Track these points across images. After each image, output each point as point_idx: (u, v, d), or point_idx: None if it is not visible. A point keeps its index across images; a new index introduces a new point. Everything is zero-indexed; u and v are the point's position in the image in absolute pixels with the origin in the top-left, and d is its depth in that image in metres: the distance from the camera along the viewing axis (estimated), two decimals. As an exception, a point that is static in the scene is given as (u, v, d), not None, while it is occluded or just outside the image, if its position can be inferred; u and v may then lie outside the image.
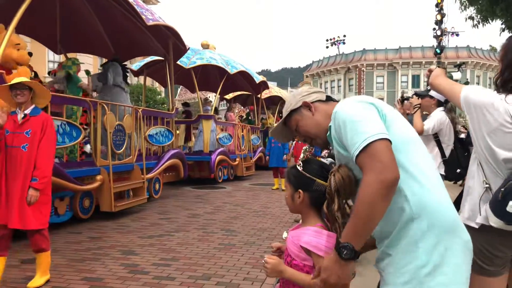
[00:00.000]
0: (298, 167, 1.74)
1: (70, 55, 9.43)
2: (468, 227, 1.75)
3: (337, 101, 1.73)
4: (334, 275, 1.44)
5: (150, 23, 7.86)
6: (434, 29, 17.02)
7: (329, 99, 1.80)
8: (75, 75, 8.38)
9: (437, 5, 16.68)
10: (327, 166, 1.76)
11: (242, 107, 22.68)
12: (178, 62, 11.37)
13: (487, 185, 1.97)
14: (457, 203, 2.21)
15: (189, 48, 10.07)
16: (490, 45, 48.63)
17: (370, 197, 1.35)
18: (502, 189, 1.86)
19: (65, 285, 3.96)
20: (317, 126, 1.73)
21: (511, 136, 1.89)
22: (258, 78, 14.29)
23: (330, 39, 59.47)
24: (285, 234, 1.79)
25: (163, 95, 33.44)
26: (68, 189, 6.35)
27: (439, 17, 16.64)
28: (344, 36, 58.98)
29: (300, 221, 1.80)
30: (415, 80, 53.83)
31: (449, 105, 4.17)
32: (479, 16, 9.88)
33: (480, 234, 1.94)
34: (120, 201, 7.58)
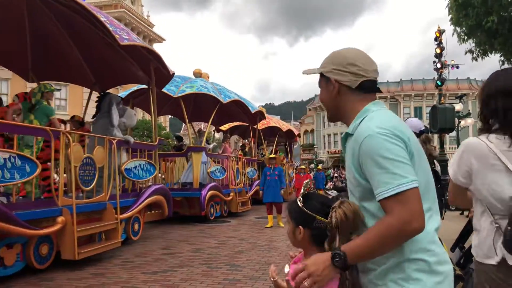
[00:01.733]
0: (299, 202, 1.69)
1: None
2: (483, 263, 1.99)
3: (372, 94, 1.62)
4: (317, 273, 1.44)
5: (125, 42, 6.88)
6: (434, 62, 17.08)
7: (367, 85, 1.59)
8: (43, 104, 7.17)
9: (436, 39, 16.81)
10: (328, 201, 1.68)
11: (243, 140, 21.50)
12: (165, 91, 10.42)
13: (497, 225, 1.98)
14: (463, 235, 2.59)
15: (173, 74, 9.04)
16: None
17: (387, 238, 1.38)
18: (509, 228, 1.88)
19: None
20: (334, 107, 1.66)
21: (503, 174, 1.94)
22: (254, 108, 13.20)
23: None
24: (287, 268, 1.73)
25: (168, 130, 32.60)
26: (17, 234, 5.22)
27: (438, 51, 16.73)
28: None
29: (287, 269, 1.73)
30: (418, 112, 53.97)
31: (423, 137, 3.90)
32: (478, 49, 9.96)
33: (496, 269, 1.96)
34: (88, 246, 6.41)
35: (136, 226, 8.23)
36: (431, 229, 1.49)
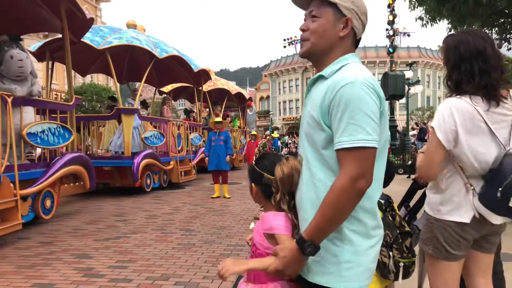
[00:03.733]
0: (253, 162, 1.77)
1: None
2: (442, 219, 2.08)
3: (353, 52, 1.53)
4: (291, 268, 1.43)
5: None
6: (386, 29, 16.99)
7: (359, 41, 1.55)
8: None
9: (389, 6, 16.54)
10: (279, 160, 1.66)
11: (191, 104, 19.69)
12: (87, 42, 8.62)
13: (472, 187, 2.01)
14: (408, 195, 2.64)
15: (92, 20, 7.31)
16: (439, 46, 49.27)
17: (341, 203, 1.33)
18: (500, 189, 1.89)
19: None
20: (328, 45, 1.49)
21: (483, 136, 1.97)
22: (197, 66, 11.47)
23: (288, 39, 57.42)
24: (252, 225, 1.81)
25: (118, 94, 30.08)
26: None
27: (391, 18, 16.59)
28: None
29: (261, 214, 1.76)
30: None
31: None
32: (427, 16, 9.94)
33: (458, 226, 2.04)
34: None
35: (48, 203, 6.69)
36: (377, 192, 1.48)
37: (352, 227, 1.41)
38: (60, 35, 7.79)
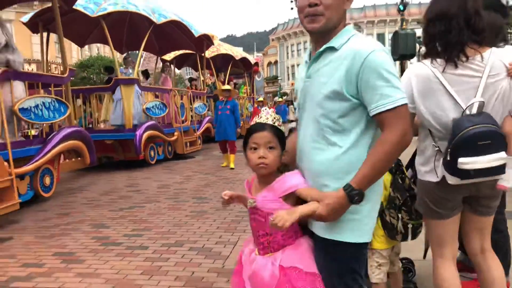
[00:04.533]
0: (281, 128, 1.72)
1: None
2: (424, 180, 2.14)
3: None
4: (333, 214, 1.48)
5: None
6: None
7: None
8: None
9: None
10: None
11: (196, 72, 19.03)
12: (80, 9, 8.12)
13: (437, 148, 2.05)
14: (414, 158, 2.43)
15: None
16: None
17: (391, 155, 1.45)
18: (449, 150, 1.93)
19: (37, 261, 3.74)
20: (340, 17, 1.54)
21: (441, 98, 1.97)
22: (198, 32, 10.89)
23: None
24: (251, 202, 1.71)
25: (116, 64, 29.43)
26: None
27: None
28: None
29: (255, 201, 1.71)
30: (380, 38, 53.77)
31: None
32: None
33: (436, 186, 2.09)
34: None
35: (48, 180, 6.43)
36: None
37: (373, 187, 1.52)
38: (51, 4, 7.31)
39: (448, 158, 1.92)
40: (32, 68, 21.49)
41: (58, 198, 6.43)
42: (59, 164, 6.88)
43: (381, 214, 2.31)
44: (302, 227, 1.72)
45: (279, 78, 56.11)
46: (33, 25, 8.34)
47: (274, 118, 1.72)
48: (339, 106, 1.50)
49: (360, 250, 1.60)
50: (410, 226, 2.32)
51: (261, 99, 15.58)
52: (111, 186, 7.36)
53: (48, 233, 4.65)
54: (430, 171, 2.10)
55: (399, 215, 2.31)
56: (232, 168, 8.71)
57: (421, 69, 2.02)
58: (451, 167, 1.94)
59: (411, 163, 2.69)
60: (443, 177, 2.02)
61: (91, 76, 22.05)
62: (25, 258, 3.84)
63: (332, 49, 1.51)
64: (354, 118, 1.51)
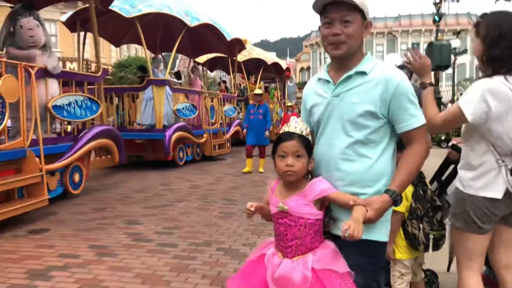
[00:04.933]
0: (309, 137, 1.81)
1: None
2: (475, 195, 2.10)
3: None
4: (381, 216, 1.65)
5: None
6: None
7: None
8: None
9: None
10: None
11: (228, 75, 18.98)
12: (116, 10, 8.22)
13: (504, 164, 2.05)
14: (440, 171, 2.82)
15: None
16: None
17: (421, 164, 1.73)
18: None
19: (73, 252, 3.92)
20: (358, 45, 1.74)
21: None
22: (230, 36, 10.83)
23: (329, 7, 55.32)
24: (282, 207, 1.76)
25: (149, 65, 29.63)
26: None
27: None
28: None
29: (286, 206, 1.77)
30: None
31: None
32: None
33: (486, 201, 2.08)
34: (2, 206, 4.71)
35: (77, 177, 6.47)
36: None
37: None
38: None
39: None
40: (74, 66, 22.07)
41: (94, 194, 6.65)
42: (89, 161, 6.93)
43: (403, 225, 2.43)
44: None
45: (310, 84, 55.63)
46: (71, 24, 8.51)
47: (303, 127, 1.80)
48: (371, 123, 1.69)
49: (385, 248, 1.84)
50: (431, 236, 2.37)
51: (290, 104, 15.38)
52: (145, 184, 7.50)
53: (84, 226, 4.81)
54: (485, 186, 2.09)
55: (421, 226, 2.37)
56: (261, 172, 8.71)
57: (499, 87, 1.98)
58: None
59: (437, 176, 2.83)
60: (506, 192, 2.05)
61: (129, 76, 22.42)
62: (62, 249, 4.01)
63: (363, 73, 1.71)
64: (381, 134, 1.72)
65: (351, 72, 1.71)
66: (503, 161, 2.05)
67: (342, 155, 1.72)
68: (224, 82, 14.71)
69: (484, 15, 2.16)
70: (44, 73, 5.86)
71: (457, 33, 19.50)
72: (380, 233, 1.73)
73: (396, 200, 1.64)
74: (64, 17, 8.38)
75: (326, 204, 1.77)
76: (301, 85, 59.58)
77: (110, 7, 7.91)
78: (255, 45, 18.62)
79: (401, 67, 4.44)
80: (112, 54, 31.51)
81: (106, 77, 8.55)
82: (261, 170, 8.79)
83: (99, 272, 3.43)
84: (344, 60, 1.74)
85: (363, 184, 1.70)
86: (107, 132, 7.02)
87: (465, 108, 2.02)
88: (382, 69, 1.71)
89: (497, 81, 1.99)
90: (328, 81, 1.79)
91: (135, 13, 8.35)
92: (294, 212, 1.74)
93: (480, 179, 2.10)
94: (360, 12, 1.68)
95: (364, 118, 1.69)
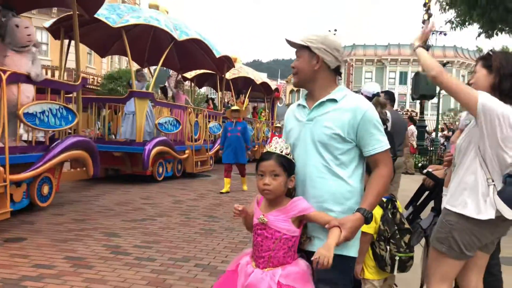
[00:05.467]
0: (289, 156, 1.89)
1: None
2: (465, 217, 2.12)
3: (339, 75, 1.97)
4: (355, 233, 1.77)
5: None
6: (422, 27, 16.97)
7: (338, 69, 1.94)
8: None
9: (424, 5, 16.65)
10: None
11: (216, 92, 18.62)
12: (103, 19, 7.93)
13: (493, 183, 2.09)
14: (415, 196, 2.91)
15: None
16: (477, 46, 47.61)
17: (387, 185, 1.88)
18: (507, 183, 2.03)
19: (48, 263, 3.84)
20: (309, 77, 1.93)
21: None
22: (220, 52, 10.57)
23: (319, 34, 55.97)
24: (262, 219, 1.86)
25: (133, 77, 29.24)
26: None
27: (426, 17, 16.61)
28: (335, 30, 55.45)
29: (266, 218, 1.86)
30: (403, 77, 53.89)
31: (374, 100, 3.84)
32: (457, 19, 10.04)
33: (477, 225, 2.10)
34: None
35: (46, 189, 6.07)
36: None
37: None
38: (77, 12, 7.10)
39: None
40: (89, 80, 21.68)
41: (74, 205, 6.51)
42: (60, 173, 6.53)
43: (372, 246, 2.49)
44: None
45: (300, 105, 55.85)
46: (56, 31, 8.17)
47: (283, 147, 1.89)
48: (340, 146, 1.84)
49: (354, 264, 1.98)
50: (397, 258, 2.42)
51: (278, 124, 15.10)
52: (127, 197, 7.34)
53: (62, 237, 4.70)
54: (476, 206, 2.11)
55: (388, 247, 2.43)
56: (245, 190, 8.44)
57: (510, 113, 2.08)
58: None
59: (413, 201, 2.92)
60: (496, 213, 2.07)
61: (118, 88, 22.07)
62: (37, 259, 3.92)
63: (334, 100, 1.87)
64: (351, 156, 1.86)
65: (324, 99, 1.88)
66: (492, 180, 2.10)
67: (315, 174, 1.85)
68: (212, 99, 14.42)
69: (495, 52, 2.31)
70: (18, 78, 5.50)
71: (443, 65, 19.77)
72: (352, 249, 1.86)
73: (367, 217, 1.77)
74: (47, 24, 8.03)
75: (304, 223, 1.86)
76: (291, 106, 59.52)
77: (96, 16, 7.62)
78: (248, 65, 18.47)
79: (376, 94, 4.34)
80: (103, 66, 31.12)
81: (94, 87, 8.20)
82: (244, 188, 8.50)
83: (74, 284, 3.36)
84: (306, 89, 1.97)
85: (335, 201, 1.83)
86: (82, 144, 6.63)
87: (483, 97, 2.07)
88: (351, 99, 1.88)
89: (509, 107, 2.09)
90: (304, 107, 1.96)
91: (121, 23, 8.03)
92: (272, 225, 1.84)
93: (472, 199, 2.12)
94: (308, 48, 1.88)
95: (335, 141, 1.84)
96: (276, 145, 1.88)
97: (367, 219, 1.76)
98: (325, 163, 1.84)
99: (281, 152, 1.85)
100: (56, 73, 20.27)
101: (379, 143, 1.83)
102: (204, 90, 33.24)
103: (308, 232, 1.88)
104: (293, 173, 1.88)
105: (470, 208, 2.11)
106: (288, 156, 1.87)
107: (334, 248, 1.68)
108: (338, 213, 1.81)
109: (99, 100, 9.54)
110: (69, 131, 6.75)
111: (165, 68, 11.93)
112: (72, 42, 8.14)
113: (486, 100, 2.06)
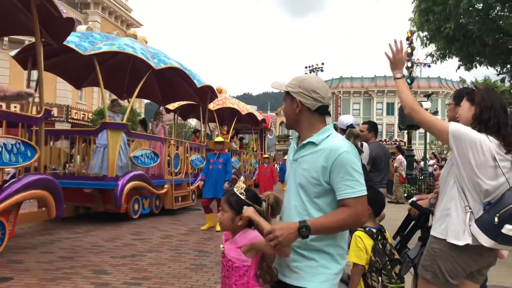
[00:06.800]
0: (241, 195, 1.94)
1: None
2: (447, 244, 2.17)
3: (325, 116, 1.92)
4: (285, 236, 1.67)
5: None
6: (407, 59, 17.58)
7: (322, 109, 1.88)
8: None
9: (407, 39, 16.81)
10: (256, 195, 1.99)
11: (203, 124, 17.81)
12: (73, 46, 7.30)
13: (470, 210, 2.14)
14: (402, 226, 2.98)
15: (72, 21, 6.02)
16: (460, 77, 48.60)
17: (343, 223, 1.75)
18: (498, 215, 2.05)
19: None
20: (293, 120, 1.92)
21: (492, 170, 2.15)
22: (201, 82, 9.92)
23: (309, 66, 56.30)
24: (222, 247, 2.04)
25: (142, 115, 28.49)
26: None
27: (409, 50, 16.84)
28: (323, 63, 55.87)
29: (225, 246, 2.03)
30: (390, 107, 54.18)
31: (348, 131, 3.96)
32: (438, 53, 10.28)
33: (459, 253, 2.15)
34: None
35: (-3, 233, 5.25)
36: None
37: (337, 251, 1.83)
38: (43, 40, 6.50)
39: (496, 222, 2.03)
40: (52, 113, 20.80)
41: (63, 242, 6.26)
42: (16, 216, 5.72)
43: (364, 277, 2.46)
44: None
45: (290, 137, 55.54)
46: (24, 60, 7.54)
47: (239, 187, 1.99)
48: (316, 189, 1.80)
49: None
50: None
51: (266, 155, 14.39)
52: (116, 232, 7.06)
53: (50, 275, 4.54)
54: (455, 233, 2.15)
55: (379, 278, 2.43)
56: (218, 231, 7.43)
57: (485, 141, 2.16)
58: (493, 231, 2.04)
59: (400, 231, 2.92)
60: (473, 240, 2.09)
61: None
62: None
63: (313, 143, 1.84)
64: (328, 199, 1.80)
65: (305, 141, 1.87)
66: (470, 208, 2.14)
67: (294, 212, 1.85)
68: (199, 131, 13.70)
69: (478, 88, 2.51)
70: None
71: (427, 96, 20.03)
72: (311, 283, 1.79)
73: (302, 228, 1.67)
74: (13, 53, 7.39)
75: (260, 254, 1.89)
76: (281, 138, 59.45)
77: (65, 43, 7.03)
78: (238, 97, 18.01)
79: (350, 126, 4.26)
80: (93, 102, 30.51)
81: (85, 123, 7.49)
82: (218, 228, 7.43)
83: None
84: (300, 132, 1.93)
85: (310, 238, 1.74)
86: (43, 182, 5.84)
87: (453, 126, 2.19)
88: (330, 141, 1.81)
89: (485, 136, 2.18)
90: (294, 146, 1.97)
91: (93, 50, 7.39)
92: (227, 254, 2.01)
93: (451, 225, 2.18)
94: (288, 93, 1.89)
95: (311, 184, 1.80)
96: (236, 184, 1.99)
97: (301, 230, 1.67)
98: (304, 205, 1.83)
99: (236, 191, 1.95)
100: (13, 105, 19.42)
101: (349, 188, 1.73)
102: (195, 123, 32.68)
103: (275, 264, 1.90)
104: (241, 212, 1.90)
105: (449, 235, 2.17)
106: (241, 196, 1.93)
107: (289, 278, 1.81)
108: (313, 248, 1.80)
109: (70, 133, 8.79)
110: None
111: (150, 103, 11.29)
112: (51, 75, 7.56)
113: (456, 130, 2.17)
